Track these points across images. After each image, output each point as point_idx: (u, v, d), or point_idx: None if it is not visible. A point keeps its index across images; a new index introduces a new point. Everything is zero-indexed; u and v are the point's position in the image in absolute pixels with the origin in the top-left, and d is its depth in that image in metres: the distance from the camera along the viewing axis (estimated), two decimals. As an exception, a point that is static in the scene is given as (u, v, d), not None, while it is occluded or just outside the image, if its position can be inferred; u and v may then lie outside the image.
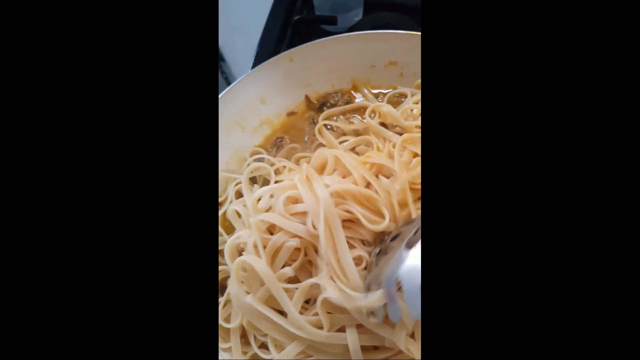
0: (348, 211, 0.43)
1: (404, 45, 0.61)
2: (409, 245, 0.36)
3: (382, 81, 0.64)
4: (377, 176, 0.47)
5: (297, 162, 0.57)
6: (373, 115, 0.59)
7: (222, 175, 0.58)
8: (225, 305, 0.49)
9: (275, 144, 0.61)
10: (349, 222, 0.44)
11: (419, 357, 0.40)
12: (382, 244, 0.43)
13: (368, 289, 0.39)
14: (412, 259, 0.35)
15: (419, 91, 0.61)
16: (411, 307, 0.33)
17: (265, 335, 0.45)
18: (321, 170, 0.49)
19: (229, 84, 0.61)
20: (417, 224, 0.39)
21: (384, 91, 0.64)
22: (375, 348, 0.43)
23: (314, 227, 0.42)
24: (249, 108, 0.62)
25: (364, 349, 0.41)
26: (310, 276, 0.44)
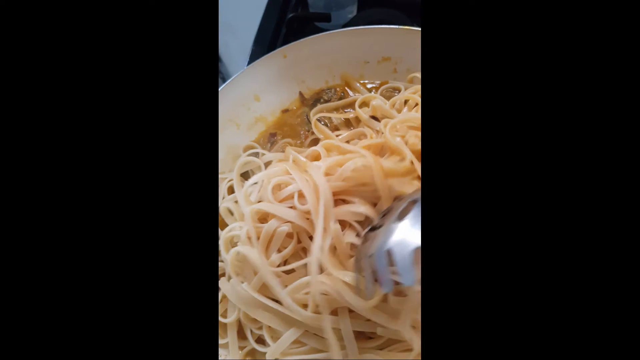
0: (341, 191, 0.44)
1: (397, 41, 0.61)
2: (400, 218, 0.36)
3: (376, 77, 0.64)
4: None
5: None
6: (367, 109, 0.59)
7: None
8: (221, 300, 0.49)
9: (268, 140, 0.62)
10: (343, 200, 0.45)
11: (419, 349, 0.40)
12: (373, 221, 0.43)
13: (358, 263, 0.39)
14: (402, 230, 0.35)
15: (412, 85, 0.61)
16: (404, 276, 0.33)
17: (261, 328, 0.45)
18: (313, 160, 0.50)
19: (225, 82, 0.61)
20: (409, 198, 0.39)
21: (377, 84, 0.64)
22: (370, 338, 0.43)
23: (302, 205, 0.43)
24: (243, 105, 0.63)
25: (358, 337, 0.42)
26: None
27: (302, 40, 0.63)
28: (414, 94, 0.58)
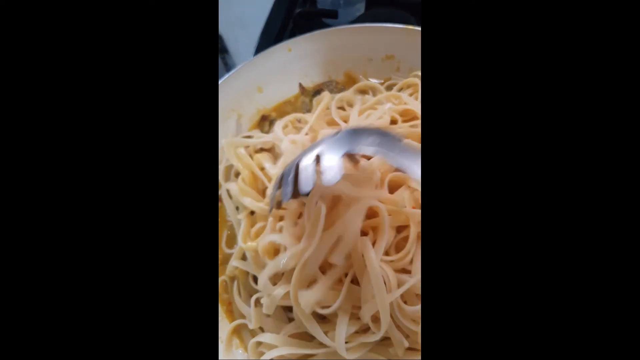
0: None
1: (401, 39, 0.62)
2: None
3: (379, 74, 0.65)
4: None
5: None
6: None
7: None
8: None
9: (260, 124, 0.63)
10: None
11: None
12: None
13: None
14: (336, 141, 0.38)
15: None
16: (326, 173, 0.35)
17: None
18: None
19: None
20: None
21: (380, 82, 0.65)
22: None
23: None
24: (246, 96, 0.63)
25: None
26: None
27: (306, 34, 0.63)
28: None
